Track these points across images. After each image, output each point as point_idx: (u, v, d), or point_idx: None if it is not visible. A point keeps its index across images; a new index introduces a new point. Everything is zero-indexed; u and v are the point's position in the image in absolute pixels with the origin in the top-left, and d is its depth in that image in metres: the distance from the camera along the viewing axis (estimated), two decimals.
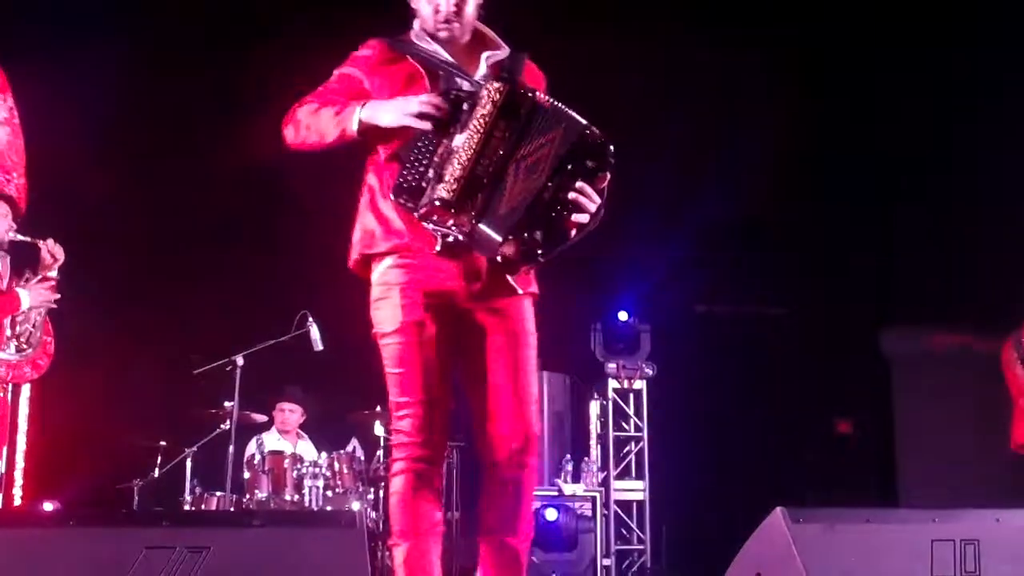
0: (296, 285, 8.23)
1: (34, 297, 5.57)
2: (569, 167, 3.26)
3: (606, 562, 8.18)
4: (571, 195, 3.26)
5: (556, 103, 3.30)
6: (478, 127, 3.21)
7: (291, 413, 8.08)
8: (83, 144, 7.26)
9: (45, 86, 6.01)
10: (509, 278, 3.38)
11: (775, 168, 9.11)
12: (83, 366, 7.64)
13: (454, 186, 3.16)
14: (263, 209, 8.32)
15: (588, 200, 3.27)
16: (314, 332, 6.95)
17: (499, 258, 3.29)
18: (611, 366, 9.23)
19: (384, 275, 3.42)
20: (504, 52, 3.57)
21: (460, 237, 3.27)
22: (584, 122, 3.29)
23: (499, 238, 3.21)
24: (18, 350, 5.58)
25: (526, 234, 3.23)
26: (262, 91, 8.37)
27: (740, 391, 9.28)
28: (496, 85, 3.25)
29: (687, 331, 9.66)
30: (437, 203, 3.17)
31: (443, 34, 3.49)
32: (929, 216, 9.16)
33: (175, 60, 8.02)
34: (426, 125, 3.26)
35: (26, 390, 7.53)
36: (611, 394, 9.29)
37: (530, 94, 3.29)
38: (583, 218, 3.28)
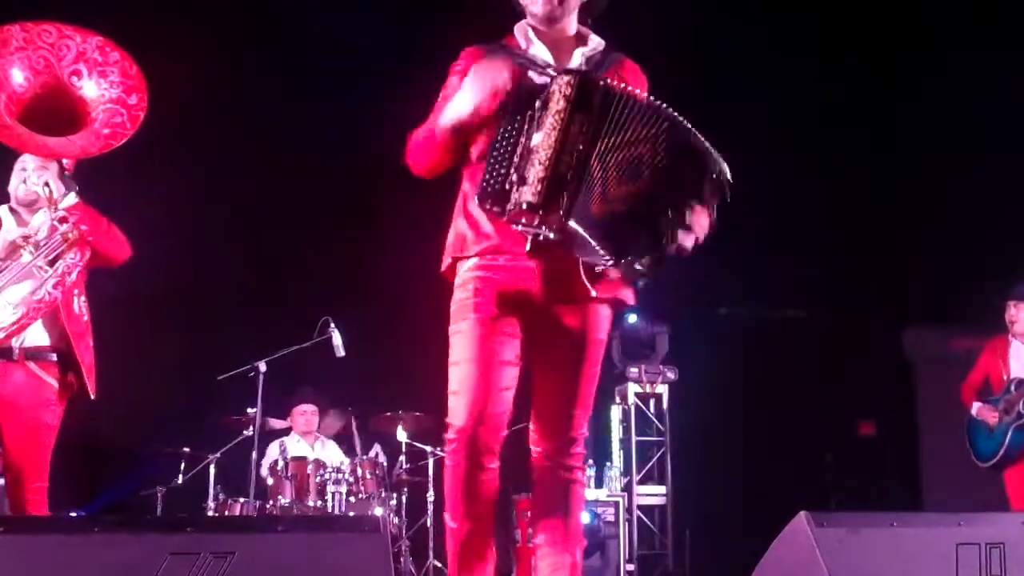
0: (319, 291, 8.26)
1: None
2: (681, 183, 3.18)
3: (629, 567, 8.16)
4: (684, 215, 3.17)
5: (638, 93, 3.19)
6: (554, 123, 3.11)
7: (312, 416, 8.10)
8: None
9: None
10: (587, 282, 3.31)
11: (797, 167, 9.11)
12: (106, 373, 7.67)
13: (538, 187, 3.08)
14: (286, 215, 8.34)
15: (700, 224, 3.22)
16: (336, 338, 6.97)
17: (595, 267, 3.25)
18: (632, 371, 9.22)
19: (464, 275, 3.41)
20: (600, 49, 3.53)
21: (551, 236, 3.19)
22: (695, 134, 3.20)
23: (591, 239, 3.11)
24: None
25: (627, 250, 3.14)
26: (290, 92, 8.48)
27: (762, 394, 9.26)
28: (566, 78, 3.16)
29: (708, 334, 9.63)
30: (524, 206, 3.11)
31: (540, 9, 3.43)
32: (954, 217, 9.12)
33: (203, 60, 8.05)
34: (493, 101, 3.25)
35: None
36: (633, 399, 9.29)
37: (602, 82, 3.16)
38: (691, 240, 3.21)
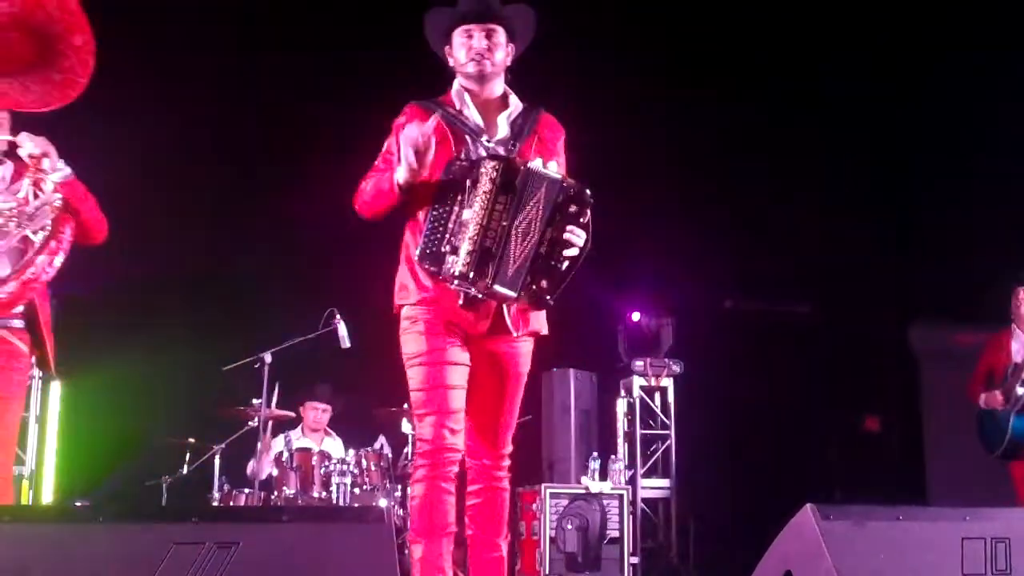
0: (324, 282, 8.26)
1: None
2: (557, 218, 3.74)
3: (633, 560, 8.15)
4: (563, 238, 3.74)
5: (538, 167, 3.77)
6: (482, 203, 3.71)
7: (323, 412, 8.11)
8: (116, 142, 7.29)
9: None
10: (508, 321, 3.91)
11: (800, 163, 9.11)
12: (112, 363, 7.69)
13: (467, 260, 3.69)
14: (291, 207, 8.34)
15: (575, 237, 3.75)
16: (341, 329, 6.96)
17: (514, 307, 3.88)
18: (637, 364, 9.22)
19: (411, 310, 3.94)
20: (520, 111, 4.07)
21: (480, 296, 3.78)
22: (558, 177, 3.77)
23: (513, 294, 3.73)
24: None
25: (533, 286, 3.73)
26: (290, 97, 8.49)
27: (767, 388, 9.24)
28: (492, 163, 3.74)
29: (713, 328, 9.63)
30: (456, 275, 3.71)
31: (473, 68, 3.99)
32: (958, 213, 9.10)
33: (213, 61, 8.07)
34: (415, 166, 3.77)
35: (57, 388, 7.59)
36: (637, 391, 9.28)
37: (522, 168, 3.76)
38: (573, 252, 3.76)
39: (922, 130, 9.20)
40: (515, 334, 3.95)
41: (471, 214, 3.71)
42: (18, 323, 4.44)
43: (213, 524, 2.82)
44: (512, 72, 4.16)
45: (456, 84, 4.10)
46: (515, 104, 4.08)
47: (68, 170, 4.39)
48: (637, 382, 9.28)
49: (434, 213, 3.79)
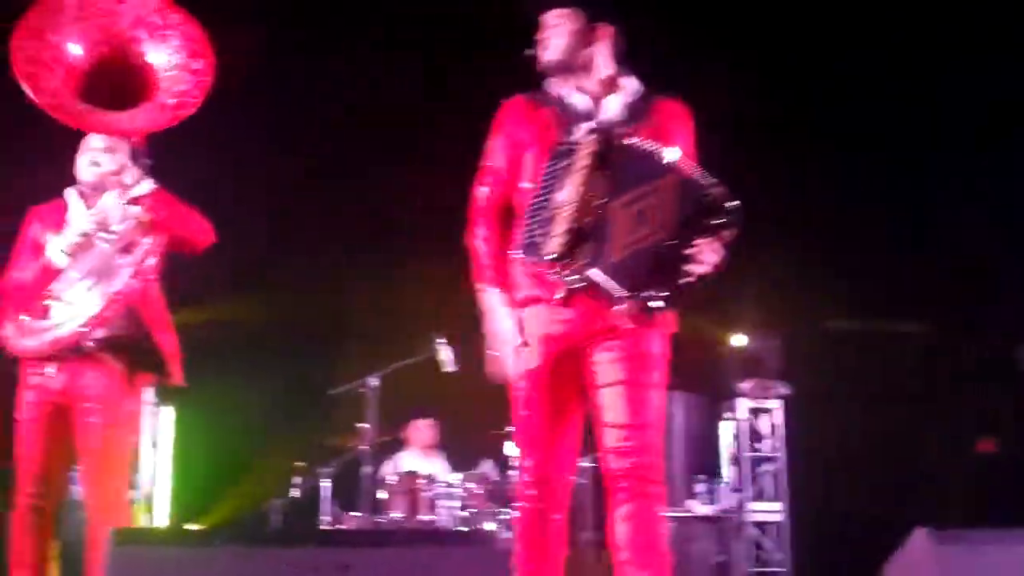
0: (429, 306, 8.33)
1: (65, 240, 4.43)
2: (687, 223, 3.38)
3: None
4: (691, 250, 3.36)
5: (655, 148, 3.45)
6: (576, 181, 3.44)
7: (427, 429, 8.16)
8: (224, 167, 7.44)
9: None
10: (622, 316, 3.50)
11: (910, 183, 8.96)
12: (223, 388, 7.84)
13: (561, 240, 3.41)
14: (397, 231, 8.44)
15: (710, 255, 3.38)
16: (446, 353, 7.01)
17: (619, 307, 3.45)
18: (744, 385, 9.14)
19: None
20: (636, 96, 3.75)
21: (577, 284, 3.47)
22: (697, 176, 3.42)
23: (615, 284, 3.40)
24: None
25: (644, 287, 3.38)
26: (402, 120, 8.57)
27: (877, 409, 9.09)
28: (589, 138, 3.49)
29: (822, 349, 9.50)
30: (549, 258, 3.44)
31: (539, 65, 3.75)
32: None
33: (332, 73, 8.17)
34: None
35: (170, 413, 7.76)
36: (744, 414, 9.20)
37: (623, 142, 3.48)
38: (701, 269, 3.38)
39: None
40: (629, 325, 3.51)
41: (565, 194, 3.46)
42: (126, 346, 4.47)
43: (326, 548, 2.87)
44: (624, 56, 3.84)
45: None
46: (628, 86, 3.78)
47: (152, 183, 4.45)
48: (744, 404, 9.20)
49: (532, 202, 3.55)
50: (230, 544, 2.92)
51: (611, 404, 3.51)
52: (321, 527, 7.23)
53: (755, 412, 9.24)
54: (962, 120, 8.78)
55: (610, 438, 3.49)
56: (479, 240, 3.77)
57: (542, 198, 3.51)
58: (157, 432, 7.70)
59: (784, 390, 9.16)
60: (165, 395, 7.28)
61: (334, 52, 7.95)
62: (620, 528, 3.45)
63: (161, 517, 7.65)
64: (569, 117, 3.68)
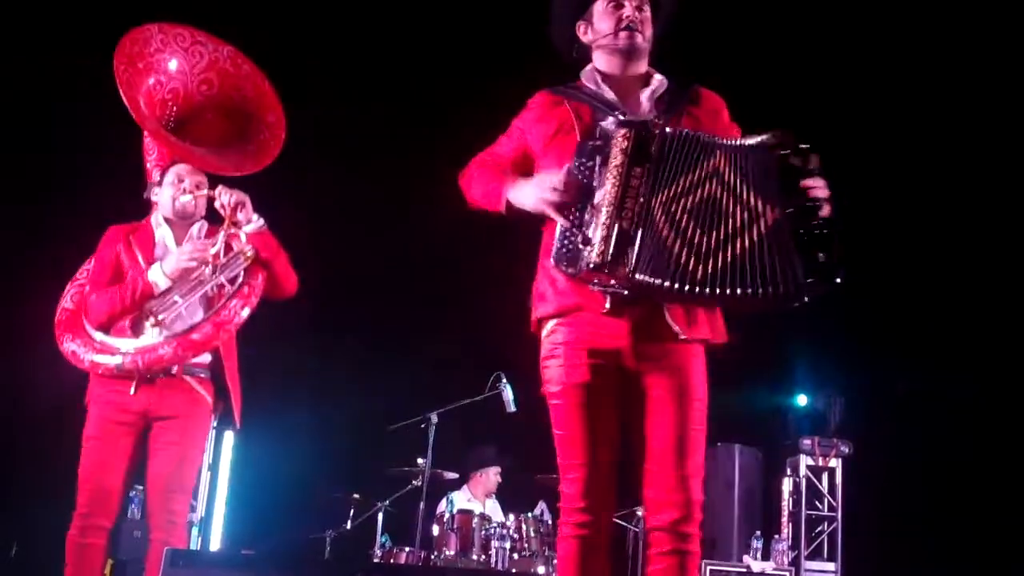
0: (491, 345, 8.34)
1: (171, 265, 4.46)
2: (783, 186, 3.06)
3: None
4: (810, 203, 3.04)
5: (692, 135, 3.14)
6: (613, 179, 3.09)
7: (495, 476, 8.18)
8: (282, 199, 7.54)
9: None
10: (673, 325, 3.23)
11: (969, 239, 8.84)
12: (282, 417, 7.89)
13: (602, 247, 3.06)
14: (460, 268, 8.47)
15: (821, 192, 3.06)
16: (507, 393, 7.02)
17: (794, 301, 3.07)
18: (805, 442, 9.05)
19: (552, 334, 3.35)
20: (665, 87, 3.50)
21: (625, 293, 3.16)
22: (748, 142, 3.12)
23: (659, 282, 3.03)
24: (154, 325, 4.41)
25: (808, 270, 2.99)
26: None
27: (941, 471, 8.95)
28: (622, 131, 3.13)
29: (885, 409, 9.39)
30: (591, 267, 3.09)
31: (623, 39, 3.43)
32: None
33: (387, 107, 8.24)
34: (559, 212, 3.18)
35: (229, 438, 7.82)
36: (804, 471, 9.10)
37: (657, 131, 3.13)
38: (828, 210, 3.04)
39: None
40: (684, 338, 3.25)
41: (602, 195, 3.09)
42: (204, 373, 4.57)
43: None
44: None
45: (590, 66, 3.54)
46: (659, 80, 3.51)
47: (261, 222, 4.54)
48: (804, 461, 9.10)
49: (563, 206, 3.17)
50: (282, 571, 2.94)
51: (658, 448, 3.23)
52: (373, 559, 7.24)
53: (814, 470, 9.14)
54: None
55: (653, 487, 3.24)
56: (473, 167, 3.60)
57: (575, 200, 3.16)
58: (217, 456, 7.76)
59: (845, 448, 9.05)
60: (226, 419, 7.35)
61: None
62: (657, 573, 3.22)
63: (215, 540, 7.70)
64: (598, 111, 3.38)
